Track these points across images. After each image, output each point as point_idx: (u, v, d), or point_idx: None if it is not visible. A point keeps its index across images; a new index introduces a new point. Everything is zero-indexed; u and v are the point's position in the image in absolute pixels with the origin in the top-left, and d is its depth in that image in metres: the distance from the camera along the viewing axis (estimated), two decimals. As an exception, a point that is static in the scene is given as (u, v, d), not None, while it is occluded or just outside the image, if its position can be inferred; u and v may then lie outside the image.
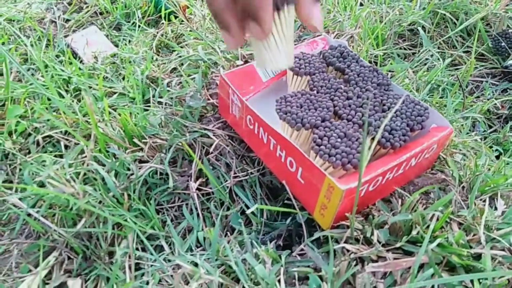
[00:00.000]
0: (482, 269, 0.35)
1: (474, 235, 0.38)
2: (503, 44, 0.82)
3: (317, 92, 0.50)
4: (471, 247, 0.37)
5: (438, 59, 0.80)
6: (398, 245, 0.38)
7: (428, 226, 0.38)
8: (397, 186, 0.45)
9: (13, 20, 0.90)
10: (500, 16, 0.88)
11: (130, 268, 0.48)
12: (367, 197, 0.43)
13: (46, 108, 0.68)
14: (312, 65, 0.52)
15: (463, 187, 0.46)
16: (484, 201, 0.44)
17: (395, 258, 0.37)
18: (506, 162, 0.50)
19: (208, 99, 0.58)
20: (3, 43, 0.80)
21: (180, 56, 0.66)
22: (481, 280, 0.34)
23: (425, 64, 0.80)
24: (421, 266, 0.37)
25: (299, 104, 0.48)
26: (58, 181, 0.50)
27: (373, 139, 0.43)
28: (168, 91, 0.61)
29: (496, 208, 0.42)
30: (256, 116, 0.47)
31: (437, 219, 0.38)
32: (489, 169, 0.50)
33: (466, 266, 0.36)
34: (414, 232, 0.38)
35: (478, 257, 0.37)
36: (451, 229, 0.39)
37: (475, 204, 0.41)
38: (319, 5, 0.36)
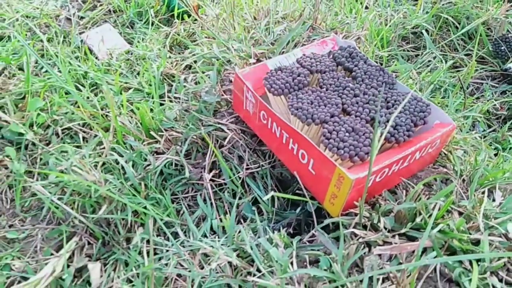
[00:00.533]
0: (480, 253, 0.37)
1: (473, 223, 0.41)
2: (503, 48, 0.85)
3: (327, 90, 0.53)
4: (470, 234, 0.40)
5: (441, 61, 0.83)
6: (403, 231, 0.41)
7: (431, 215, 0.41)
8: (403, 178, 0.48)
9: (29, 17, 0.93)
10: (501, 21, 0.91)
11: (148, 252, 0.51)
12: (374, 188, 0.46)
13: (63, 98, 0.70)
14: (322, 64, 0.55)
15: (464, 180, 0.49)
16: (483, 192, 0.47)
17: (400, 243, 0.40)
18: (505, 158, 0.53)
19: (222, 95, 0.61)
20: (18, 41, 0.82)
21: (194, 54, 0.69)
22: (479, 262, 0.37)
23: (428, 65, 0.83)
24: (424, 251, 0.40)
25: (310, 100, 0.51)
26: (80, 169, 0.53)
27: (380, 133, 0.46)
28: (184, 86, 0.63)
29: (494, 199, 0.45)
30: (270, 111, 0.50)
31: (439, 208, 0.41)
32: (488, 164, 0.53)
33: (466, 250, 0.38)
34: (418, 219, 0.41)
35: (477, 243, 0.40)
36: (452, 217, 0.42)
37: (474, 195, 0.44)
38: None
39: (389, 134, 0.45)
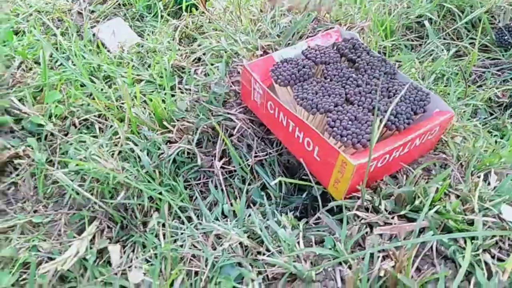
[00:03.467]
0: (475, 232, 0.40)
1: (469, 205, 0.44)
2: (506, 37, 0.86)
3: (331, 80, 0.55)
4: (466, 215, 0.43)
5: (443, 50, 0.85)
6: (402, 212, 0.44)
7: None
8: (403, 164, 0.51)
9: (42, 12, 0.96)
10: (505, 9, 0.92)
11: (164, 235, 0.54)
12: (376, 173, 0.49)
13: (79, 91, 0.74)
14: (326, 55, 0.58)
15: (462, 165, 0.52)
16: (479, 176, 0.50)
17: (399, 224, 0.43)
18: (502, 144, 0.55)
19: (231, 86, 0.63)
20: (33, 35, 0.86)
21: (203, 47, 0.72)
22: (473, 241, 0.40)
23: (431, 54, 0.85)
24: (422, 231, 0.43)
25: (315, 91, 0.53)
26: (99, 158, 0.57)
27: (380, 121, 0.48)
28: (195, 78, 0.66)
29: (489, 183, 0.48)
30: (277, 101, 0.53)
31: (436, 191, 0.44)
32: (486, 150, 0.56)
33: (461, 230, 0.41)
34: (416, 202, 0.44)
35: (472, 223, 0.42)
36: (449, 200, 0.45)
37: (471, 179, 0.47)
38: None
39: (389, 122, 0.48)
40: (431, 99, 0.52)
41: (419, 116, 0.51)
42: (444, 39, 0.92)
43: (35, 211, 0.61)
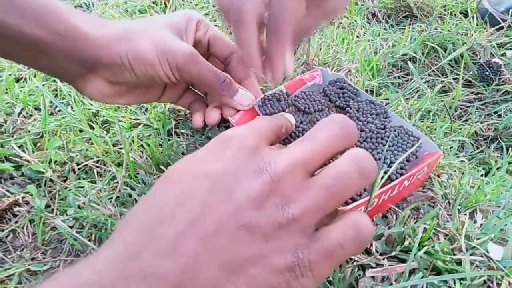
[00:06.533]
0: (463, 272, 0.42)
1: (457, 244, 0.45)
2: (487, 72, 0.90)
3: None
4: (454, 254, 0.44)
5: (428, 86, 0.88)
6: (393, 254, 0.45)
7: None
8: (392, 204, 0.53)
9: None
10: (484, 46, 0.96)
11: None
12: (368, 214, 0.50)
13: (78, 137, 0.76)
14: (318, 102, 0.60)
15: (449, 202, 0.54)
16: (466, 214, 0.51)
17: (390, 265, 0.44)
18: (486, 181, 0.57)
19: (225, 130, 0.66)
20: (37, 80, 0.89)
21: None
22: (461, 281, 0.41)
23: (417, 91, 0.88)
24: (413, 272, 0.44)
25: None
26: (97, 204, 0.58)
27: (385, 173, 0.50)
28: (190, 123, 0.69)
29: (475, 221, 0.49)
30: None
31: (425, 230, 0.46)
32: (473, 186, 0.58)
33: (450, 270, 0.43)
34: (406, 243, 0.46)
35: (460, 262, 0.44)
36: (438, 239, 0.46)
37: (458, 218, 0.48)
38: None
39: (383, 172, 0.49)
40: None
41: (411, 162, 0.53)
42: (429, 75, 0.96)
43: (33, 259, 0.61)
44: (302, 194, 0.30)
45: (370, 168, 0.33)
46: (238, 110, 0.61)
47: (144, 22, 0.58)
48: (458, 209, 0.51)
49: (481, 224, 0.48)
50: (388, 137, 0.54)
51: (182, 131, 0.71)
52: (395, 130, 0.55)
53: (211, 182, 0.31)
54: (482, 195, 0.52)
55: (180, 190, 0.31)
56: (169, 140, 0.71)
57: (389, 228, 0.49)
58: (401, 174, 0.50)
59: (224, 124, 0.68)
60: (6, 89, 0.88)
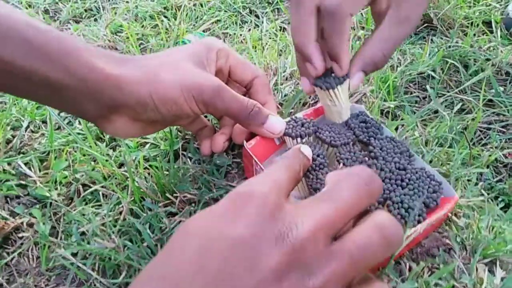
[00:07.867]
0: None
1: (474, 303, 0.43)
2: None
3: (344, 165, 0.55)
4: (471, 315, 0.42)
5: (446, 106, 0.85)
6: (405, 311, 0.43)
7: (432, 293, 0.43)
8: (406, 249, 0.50)
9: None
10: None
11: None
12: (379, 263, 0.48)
13: (84, 155, 0.75)
14: (343, 136, 0.56)
15: (465, 247, 0.51)
16: (486, 264, 0.49)
17: (402, 324, 0.42)
18: (507, 222, 0.54)
19: (233, 158, 0.64)
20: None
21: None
22: None
23: (436, 111, 0.84)
24: (426, 331, 0.42)
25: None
26: (101, 237, 0.57)
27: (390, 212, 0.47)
28: (197, 149, 0.67)
29: (494, 275, 0.46)
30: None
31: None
32: (492, 229, 0.55)
33: (466, 335, 0.40)
34: (420, 299, 0.43)
35: (477, 325, 0.41)
36: (454, 297, 0.44)
37: (476, 273, 0.46)
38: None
39: (400, 216, 0.47)
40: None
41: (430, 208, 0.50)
42: (448, 91, 0.92)
43: (35, 286, 0.61)
44: (324, 264, 0.29)
45: (396, 238, 0.31)
46: (252, 135, 0.59)
47: (165, 55, 0.56)
48: (477, 259, 0.48)
49: (502, 278, 0.46)
50: (409, 179, 0.51)
51: (189, 155, 0.69)
52: (416, 173, 0.52)
53: (231, 249, 0.29)
54: (502, 244, 0.49)
55: (197, 257, 0.30)
56: (175, 162, 0.69)
57: (402, 280, 0.46)
58: (419, 222, 0.47)
59: (232, 151, 0.66)
60: (15, 102, 0.87)
